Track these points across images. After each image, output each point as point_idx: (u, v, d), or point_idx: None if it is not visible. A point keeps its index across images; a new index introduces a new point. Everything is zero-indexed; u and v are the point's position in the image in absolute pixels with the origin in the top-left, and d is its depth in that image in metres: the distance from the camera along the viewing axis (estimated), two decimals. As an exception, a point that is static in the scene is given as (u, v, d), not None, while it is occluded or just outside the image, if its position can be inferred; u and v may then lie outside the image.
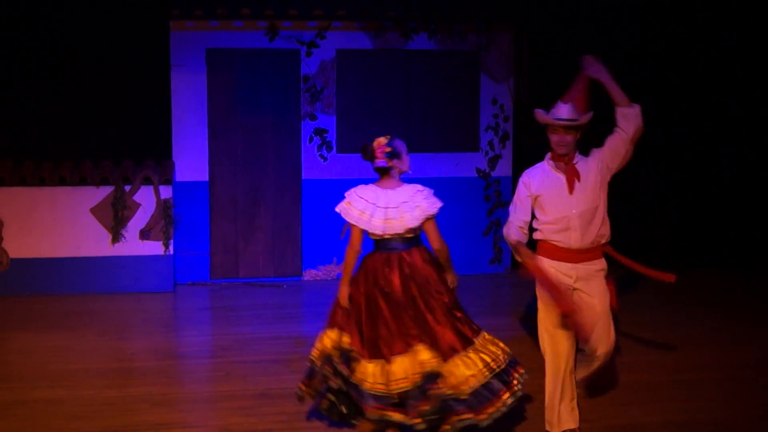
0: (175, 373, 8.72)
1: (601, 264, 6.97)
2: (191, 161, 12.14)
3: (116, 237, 11.56)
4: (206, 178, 12.22)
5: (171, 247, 11.73)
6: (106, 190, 11.53)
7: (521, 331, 10.07)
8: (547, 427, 6.99)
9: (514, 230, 6.82)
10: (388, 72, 12.48)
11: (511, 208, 7.00)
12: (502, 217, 12.83)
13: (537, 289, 6.87)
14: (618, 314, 9.97)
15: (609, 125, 7.05)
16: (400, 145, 6.76)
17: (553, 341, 6.90)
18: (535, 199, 6.95)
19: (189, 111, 12.08)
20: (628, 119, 7.08)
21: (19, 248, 11.44)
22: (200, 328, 10.43)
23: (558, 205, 6.90)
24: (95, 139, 12.41)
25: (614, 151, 7.05)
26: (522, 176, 7.07)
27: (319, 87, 12.28)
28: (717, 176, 13.54)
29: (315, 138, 12.29)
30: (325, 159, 12.28)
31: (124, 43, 12.40)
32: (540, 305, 6.91)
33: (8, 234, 11.42)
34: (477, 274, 12.70)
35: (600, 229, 6.95)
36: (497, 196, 12.81)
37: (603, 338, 6.93)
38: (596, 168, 6.99)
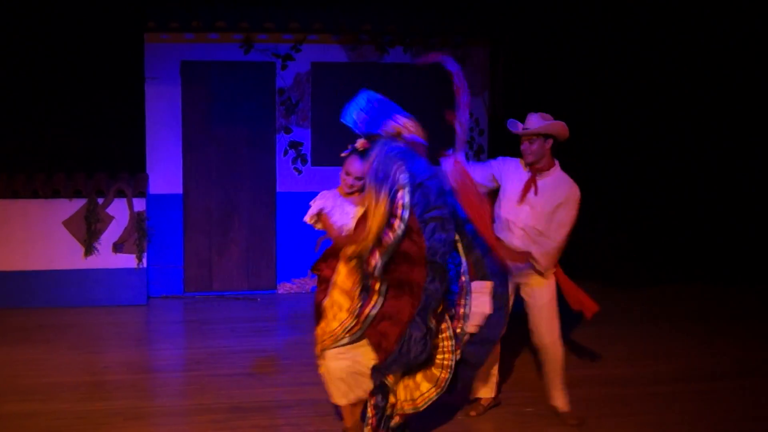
0: (149, 386, 8.68)
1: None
2: (165, 174, 12.13)
3: (89, 250, 11.52)
4: (180, 190, 12.20)
5: (144, 260, 11.70)
6: (79, 203, 11.49)
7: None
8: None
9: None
10: (363, 85, 12.42)
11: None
12: (477, 231, 12.89)
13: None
14: (596, 327, 10.11)
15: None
16: (346, 163, 6.85)
17: None
18: (496, 181, 7.35)
19: (163, 123, 12.07)
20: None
21: (-10, 261, 11.41)
22: (174, 341, 10.40)
23: (509, 204, 7.22)
24: (68, 151, 12.40)
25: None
26: (500, 157, 7.43)
27: (294, 100, 12.29)
28: (694, 190, 13.59)
29: (290, 151, 12.30)
30: (300, 172, 12.29)
31: (98, 55, 12.40)
32: None
33: (-20, 246, 11.39)
34: (451, 287, 12.71)
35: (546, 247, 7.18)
36: (472, 209, 12.83)
37: (547, 329, 7.35)
38: (558, 201, 7.15)
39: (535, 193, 7.17)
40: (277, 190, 12.34)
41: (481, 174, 7.35)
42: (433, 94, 12.64)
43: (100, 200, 11.54)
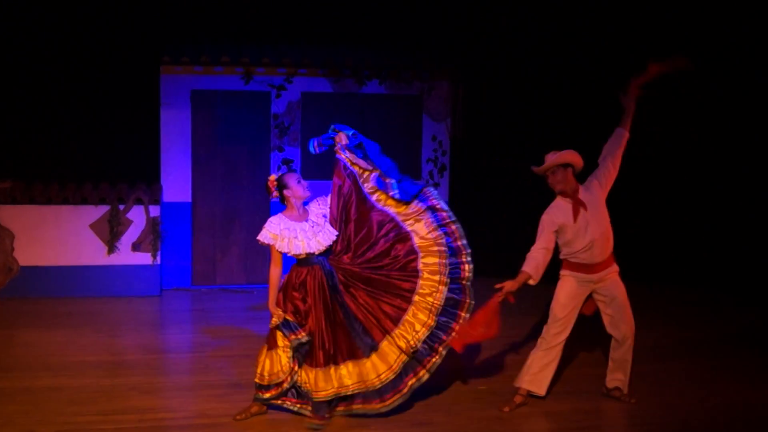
0: (161, 365, 8.66)
1: (613, 268, 7.26)
2: (177, 185, 12.08)
3: (111, 249, 11.47)
4: (189, 199, 12.16)
5: (158, 258, 11.66)
6: (103, 209, 11.45)
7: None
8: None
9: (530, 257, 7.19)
10: (345, 112, 12.50)
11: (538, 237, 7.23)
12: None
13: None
14: (532, 318, 10.12)
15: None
16: (288, 177, 6.87)
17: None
18: (559, 229, 7.16)
19: (175, 142, 12.03)
20: (620, 140, 7.31)
21: (27, 257, 11.33)
22: (183, 327, 10.36)
23: (576, 232, 7.11)
24: (95, 164, 12.36)
25: (606, 171, 7.24)
26: (545, 214, 7.26)
27: (286, 123, 12.27)
28: (641, 196, 13.44)
29: (282, 167, 12.28)
30: (270, 195, 12.23)
31: (121, 84, 12.40)
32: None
33: (19, 245, 11.30)
34: (418, 283, 12.71)
35: (611, 242, 7.22)
36: (436, 218, 12.84)
37: (627, 322, 7.28)
38: (597, 192, 7.18)
39: (585, 209, 7.14)
40: (272, 199, 12.27)
41: (548, 239, 7.23)
42: (403, 120, 12.72)
43: (122, 207, 11.50)
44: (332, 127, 7.22)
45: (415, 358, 6.86)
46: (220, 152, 12.21)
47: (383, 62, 12.43)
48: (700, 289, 12.56)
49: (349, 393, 6.76)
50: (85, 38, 12.30)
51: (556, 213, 7.19)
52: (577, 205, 7.13)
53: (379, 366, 6.81)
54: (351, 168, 7.09)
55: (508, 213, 13.26)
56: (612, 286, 7.27)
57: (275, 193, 6.92)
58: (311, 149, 7.13)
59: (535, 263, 7.16)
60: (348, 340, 6.80)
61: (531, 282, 7.21)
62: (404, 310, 6.88)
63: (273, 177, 6.94)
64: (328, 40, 12.79)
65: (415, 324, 6.86)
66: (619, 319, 7.30)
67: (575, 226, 7.11)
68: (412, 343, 6.82)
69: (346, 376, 6.74)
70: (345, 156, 7.10)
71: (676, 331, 10.21)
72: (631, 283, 7.51)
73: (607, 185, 7.26)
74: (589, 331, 10.18)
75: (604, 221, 7.17)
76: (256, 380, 6.87)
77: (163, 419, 7.00)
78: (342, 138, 7.11)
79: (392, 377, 6.81)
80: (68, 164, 12.39)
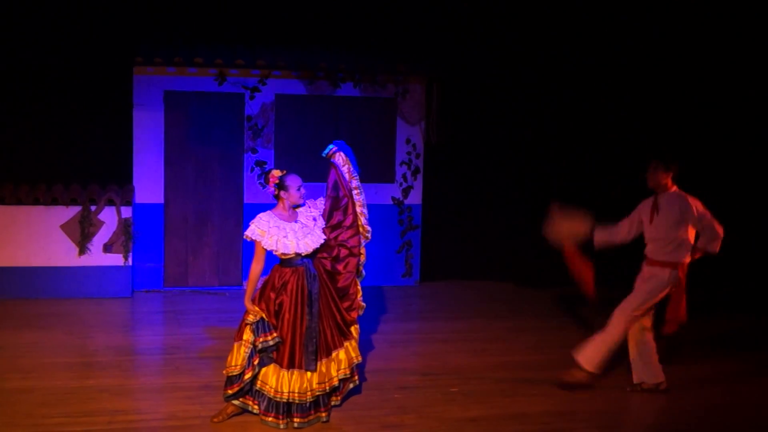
0: (131, 367, 8.64)
1: (665, 271, 7.85)
2: (149, 186, 12.05)
3: (83, 250, 11.42)
4: (162, 200, 12.13)
5: (130, 259, 11.62)
6: (74, 210, 11.40)
7: (428, 334, 10.17)
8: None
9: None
10: (319, 114, 12.53)
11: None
12: (414, 239, 12.96)
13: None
14: (511, 321, 10.19)
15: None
16: (290, 180, 6.92)
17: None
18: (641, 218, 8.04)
19: (148, 143, 12.00)
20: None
21: (-2, 258, 11.30)
22: (154, 328, 10.35)
23: (648, 225, 7.97)
24: (66, 165, 12.28)
25: (698, 221, 7.94)
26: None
27: (260, 125, 12.27)
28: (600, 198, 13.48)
29: (256, 168, 12.29)
30: (264, 186, 12.25)
31: (93, 84, 12.33)
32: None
33: (-12, 246, 11.26)
34: (390, 285, 12.78)
35: (675, 251, 7.86)
36: (409, 220, 12.90)
37: (619, 309, 8.06)
38: (683, 210, 7.85)
39: (657, 211, 7.96)
40: (245, 201, 12.31)
41: (630, 220, 8.23)
42: (377, 123, 12.76)
43: (93, 207, 11.45)
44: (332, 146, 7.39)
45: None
46: (193, 154, 12.20)
47: (357, 65, 12.47)
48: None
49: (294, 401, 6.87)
50: (57, 37, 12.23)
51: (645, 203, 8.06)
52: (655, 204, 7.91)
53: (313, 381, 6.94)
54: (348, 183, 7.28)
55: (482, 216, 13.32)
56: (647, 278, 7.93)
57: (272, 188, 6.93)
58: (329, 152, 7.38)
59: (606, 228, 8.17)
60: (300, 350, 6.88)
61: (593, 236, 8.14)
62: (346, 338, 7.22)
63: (277, 172, 6.95)
64: (302, 42, 12.79)
65: (351, 351, 7.22)
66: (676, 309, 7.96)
67: (647, 219, 7.93)
68: (341, 373, 7.13)
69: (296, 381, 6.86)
70: (346, 171, 7.28)
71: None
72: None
73: (690, 225, 7.88)
74: (565, 335, 10.30)
75: (670, 231, 7.79)
76: (223, 372, 6.96)
77: (133, 421, 7.01)
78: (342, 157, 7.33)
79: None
80: (39, 165, 12.30)
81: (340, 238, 7.22)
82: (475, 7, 13.06)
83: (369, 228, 7.40)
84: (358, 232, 7.29)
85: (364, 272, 7.39)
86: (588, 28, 13.06)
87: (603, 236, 8.13)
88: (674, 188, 7.91)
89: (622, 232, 8.12)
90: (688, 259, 7.86)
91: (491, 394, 7.85)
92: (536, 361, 9.02)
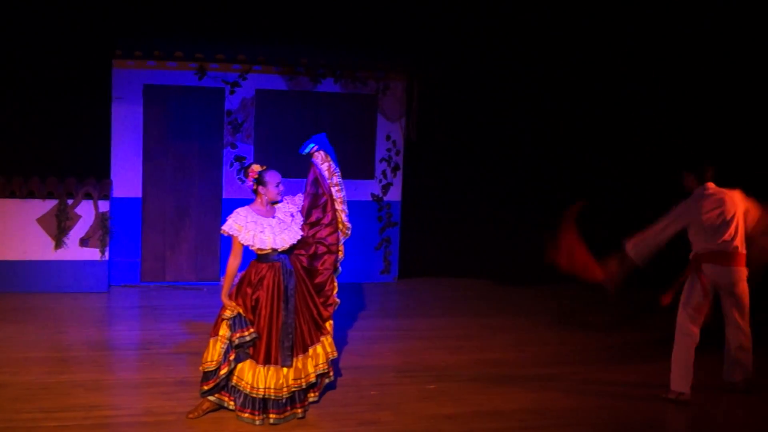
0: (107, 362, 8.61)
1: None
2: (127, 180, 12.00)
3: (59, 244, 11.36)
4: (140, 195, 12.08)
5: (107, 254, 11.57)
6: (51, 203, 11.33)
7: (405, 331, 10.18)
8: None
9: None
10: (299, 110, 12.50)
11: None
12: (393, 235, 12.97)
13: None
14: (488, 319, 10.20)
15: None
16: (270, 176, 6.92)
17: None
18: None
19: (127, 137, 11.95)
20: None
21: (-28, 251, 11.22)
22: (130, 323, 10.31)
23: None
24: (43, 158, 12.19)
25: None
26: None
27: (240, 120, 12.24)
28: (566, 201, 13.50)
29: (235, 164, 12.25)
30: (243, 182, 12.23)
31: (72, 77, 12.23)
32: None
33: (-37, 239, 11.18)
34: (369, 282, 12.78)
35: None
36: (388, 217, 12.91)
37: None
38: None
39: None
40: (223, 196, 12.28)
41: None
42: (357, 119, 12.76)
43: (70, 201, 11.39)
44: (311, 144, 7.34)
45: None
46: (172, 148, 12.15)
47: (338, 60, 12.45)
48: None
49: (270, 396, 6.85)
50: (36, 30, 12.14)
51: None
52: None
53: (289, 377, 6.93)
54: (327, 181, 7.26)
55: (461, 213, 13.33)
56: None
57: (251, 182, 6.93)
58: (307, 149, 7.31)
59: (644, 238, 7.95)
60: (276, 345, 6.87)
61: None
62: (321, 333, 7.21)
63: (257, 167, 6.95)
64: (283, 38, 12.77)
65: (327, 347, 7.20)
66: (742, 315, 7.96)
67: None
68: (319, 368, 7.13)
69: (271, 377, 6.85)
70: (325, 168, 7.28)
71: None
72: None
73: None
74: (542, 333, 10.33)
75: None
76: (199, 367, 6.94)
77: (108, 416, 6.98)
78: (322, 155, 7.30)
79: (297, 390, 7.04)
80: (15, 157, 12.19)
81: (318, 235, 7.21)
82: (456, 5, 13.06)
83: (349, 225, 7.38)
84: (336, 230, 7.28)
85: (340, 268, 7.37)
86: (567, 24, 13.06)
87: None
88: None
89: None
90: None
91: (467, 392, 7.86)
92: (513, 359, 9.05)
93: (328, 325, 7.22)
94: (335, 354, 7.24)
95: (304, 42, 12.78)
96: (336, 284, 7.31)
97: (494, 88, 13.17)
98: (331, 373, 7.26)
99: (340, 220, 7.32)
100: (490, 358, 9.00)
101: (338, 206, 7.32)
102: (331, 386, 7.50)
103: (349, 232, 7.40)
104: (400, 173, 12.92)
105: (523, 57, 13.15)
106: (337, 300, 7.30)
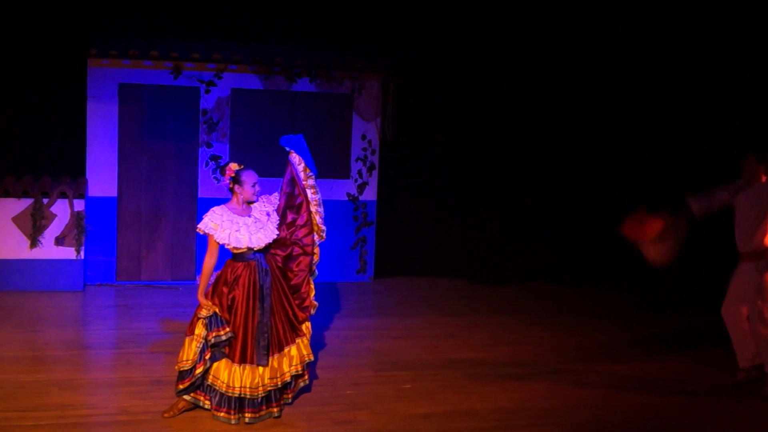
0: (82, 361, 8.59)
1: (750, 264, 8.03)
2: (102, 179, 11.97)
3: (34, 242, 11.32)
4: (115, 194, 12.06)
5: (82, 253, 11.54)
6: (26, 202, 11.29)
7: (381, 330, 10.21)
8: None
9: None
10: (275, 109, 12.51)
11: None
12: (368, 235, 13.00)
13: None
14: (467, 318, 10.24)
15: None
16: (246, 176, 6.93)
17: None
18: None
19: (102, 136, 11.92)
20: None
21: (-54, 250, 11.15)
22: (106, 323, 10.28)
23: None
24: (18, 157, 12.13)
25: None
26: None
27: (215, 119, 12.24)
28: (553, 202, 13.63)
29: (210, 163, 12.25)
30: (218, 181, 12.14)
31: (47, 76, 12.18)
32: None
33: (-63, 238, 11.12)
34: (345, 281, 12.81)
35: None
36: (364, 216, 12.94)
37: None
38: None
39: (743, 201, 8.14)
40: (199, 196, 12.27)
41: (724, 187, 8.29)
42: (333, 119, 12.77)
43: (45, 200, 11.36)
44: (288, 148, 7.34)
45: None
46: (147, 147, 12.13)
47: (314, 60, 12.47)
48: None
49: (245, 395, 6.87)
50: (10, 27, 12.08)
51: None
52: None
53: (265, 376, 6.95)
54: (303, 182, 7.27)
55: (437, 213, 13.37)
56: None
57: (227, 181, 6.93)
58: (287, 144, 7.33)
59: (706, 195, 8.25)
60: (252, 345, 6.89)
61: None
62: (297, 335, 7.20)
63: (235, 166, 6.95)
64: (259, 37, 12.76)
65: (303, 349, 7.20)
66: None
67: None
68: (293, 369, 7.12)
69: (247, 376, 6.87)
70: (301, 170, 7.29)
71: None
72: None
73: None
74: (518, 332, 10.38)
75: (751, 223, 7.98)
76: (175, 366, 6.94)
77: (83, 416, 6.96)
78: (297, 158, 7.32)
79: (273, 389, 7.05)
80: (-10, 156, 12.19)
81: (294, 236, 7.23)
82: (432, 4, 13.09)
83: (324, 227, 7.38)
84: (312, 231, 7.29)
85: (317, 271, 7.38)
86: (542, 23, 13.09)
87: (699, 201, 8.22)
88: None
89: (718, 196, 8.23)
90: None
91: (443, 391, 7.89)
92: (489, 358, 9.09)
93: (305, 327, 7.22)
94: (311, 357, 7.23)
95: (280, 41, 12.78)
96: (313, 287, 7.31)
97: (470, 87, 13.22)
98: (307, 377, 7.27)
99: (314, 222, 7.32)
100: (465, 358, 9.03)
101: (313, 208, 7.32)
102: (307, 387, 7.51)
103: (324, 235, 7.39)
104: (375, 173, 12.96)
105: (499, 57, 13.19)
106: (315, 303, 7.30)
